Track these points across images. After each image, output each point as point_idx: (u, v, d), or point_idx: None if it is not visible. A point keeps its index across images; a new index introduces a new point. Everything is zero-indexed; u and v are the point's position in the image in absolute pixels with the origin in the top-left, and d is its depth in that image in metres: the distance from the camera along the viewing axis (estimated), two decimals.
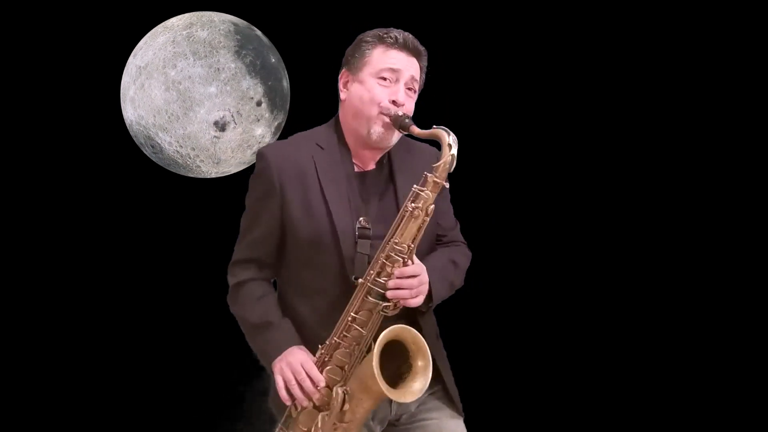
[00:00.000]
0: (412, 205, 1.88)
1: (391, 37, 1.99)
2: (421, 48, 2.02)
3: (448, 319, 2.14)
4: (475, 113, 3.66)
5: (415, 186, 1.89)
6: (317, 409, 1.90)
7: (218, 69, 3.33)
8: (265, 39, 3.56)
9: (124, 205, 3.66)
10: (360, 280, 1.90)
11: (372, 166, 2.05)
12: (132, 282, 3.69)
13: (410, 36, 2.01)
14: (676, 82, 3.68)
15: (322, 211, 1.96)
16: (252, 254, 2.04)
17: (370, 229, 1.96)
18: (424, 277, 1.92)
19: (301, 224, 1.97)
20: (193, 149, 3.40)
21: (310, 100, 3.63)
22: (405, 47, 1.99)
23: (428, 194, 1.88)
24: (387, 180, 2.04)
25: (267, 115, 3.45)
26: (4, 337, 3.57)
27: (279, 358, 1.92)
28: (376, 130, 1.97)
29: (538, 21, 3.75)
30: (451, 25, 3.70)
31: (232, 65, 3.35)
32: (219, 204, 3.60)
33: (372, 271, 1.89)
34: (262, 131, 3.47)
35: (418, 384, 1.87)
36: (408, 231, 1.88)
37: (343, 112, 2.05)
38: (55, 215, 3.61)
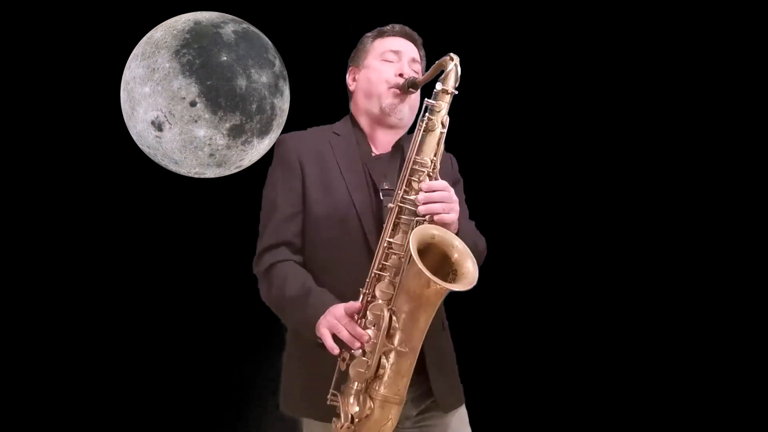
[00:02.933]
0: (427, 116, 1.93)
1: (387, 28, 2.20)
2: (417, 36, 2.19)
3: (453, 313, 2.13)
4: (477, 115, 3.51)
5: (426, 99, 1.94)
6: (366, 356, 1.82)
7: (154, 69, 3.35)
8: (230, 36, 3.42)
9: (118, 202, 3.82)
10: (390, 205, 1.90)
11: (387, 149, 2.12)
12: (133, 282, 3.81)
13: (405, 26, 2.20)
14: (676, 83, 3.70)
15: (341, 187, 2.01)
16: (279, 238, 2.01)
17: (393, 190, 1.96)
18: (453, 195, 1.90)
19: (319, 202, 2.01)
20: (149, 148, 3.49)
21: (310, 101, 3.52)
22: (402, 34, 2.18)
23: (441, 104, 1.93)
24: (401, 162, 2.05)
25: (207, 116, 3.32)
26: (6, 337, 3.67)
27: (322, 317, 1.87)
28: (388, 101, 2.08)
29: (538, 23, 3.75)
30: (450, 25, 3.62)
31: (167, 65, 3.33)
32: (225, 205, 3.65)
33: (399, 192, 1.90)
34: (208, 133, 3.36)
35: (468, 266, 1.80)
36: (427, 145, 1.92)
37: (354, 102, 2.18)
38: (68, 213, 3.80)
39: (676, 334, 3.71)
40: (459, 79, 1.96)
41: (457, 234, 1.90)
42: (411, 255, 1.76)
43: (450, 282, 1.79)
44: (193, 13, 3.49)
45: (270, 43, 3.57)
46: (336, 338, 1.85)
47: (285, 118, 3.62)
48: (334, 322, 1.84)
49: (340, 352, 1.84)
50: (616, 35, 3.74)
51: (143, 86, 3.37)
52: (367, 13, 3.59)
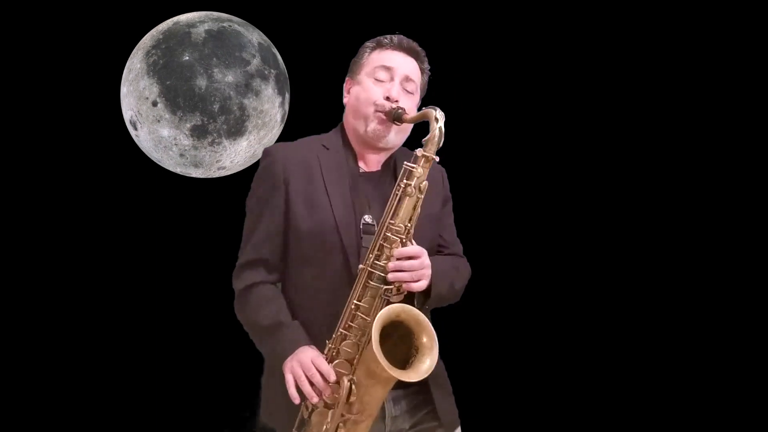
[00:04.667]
0: (405, 181, 1.88)
1: (386, 39, 2.07)
2: (419, 49, 2.08)
3: (444, 324, 2.09)
4: (473, 119, 3.53)
5: (406, 163, 1.89)
6: (328, 407, 1.84)
7: (130, 69, 3.46)
8: (200, 36, 3.39)
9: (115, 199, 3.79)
10: (360, 266, 1.87)
11: (377, 168, 2.07)
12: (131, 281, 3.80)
13: (406, 38, 2.08)
14: (674, 83, 3.67)
15: (325, 206, 1.96)
16: (259, 254, 2.00)
17: (374, 225, 1.95)
18: (426, 260, 1.88)
19: (303, 218, 1.96)
20: (137, 145, 3.61)
21: (310, 103, 3.53)
22: (400, 47, 2.06)
23: (420, 170, 1.87)
24: (391, 181, 2.03)
25: (168, 115, 3.34)
26: (5, 338, 3.63)
27: (290, 357, 1.87)
28: (372, 126, 2.00)
29: (537, 25, 3.72)
30: (449, 30, 3.63)
31: (138, 65, 3.41)
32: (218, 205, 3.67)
33: (371, 255, 1.86)
34: (171, 133, 3.38)
35: (427, 363, 1.80)
36: (404, 210, 1.87)
37: (345, 115, 2.11)
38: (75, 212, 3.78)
39: (673, 343, 3.66)
40: (441, 144, 1.88)
41: (428, 296, 1.91)
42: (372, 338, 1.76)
43: (409, 363, 1.81)
44: (183, 15, 3.50)
45: (255, 41, 3.45)
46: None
47: (269, 119, 3.49)
48: (298, 371, 1.83)
49: (302, 399, 1.85)
50: (609, 35, 3.69)
51: (123, 86, 3.47)
52: (372, 13, 3.60)
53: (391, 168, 2.06)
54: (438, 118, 1.87)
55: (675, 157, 3.70)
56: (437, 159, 1.88)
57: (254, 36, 3.48)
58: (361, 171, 2.04)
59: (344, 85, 2.12)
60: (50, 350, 3.69)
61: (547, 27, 3.73)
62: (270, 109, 3.47)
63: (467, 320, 3.25)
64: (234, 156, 3.48)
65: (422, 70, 2.08)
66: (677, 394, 3.63)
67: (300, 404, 1.87)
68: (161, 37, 3.39)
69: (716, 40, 3.60)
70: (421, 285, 1.86)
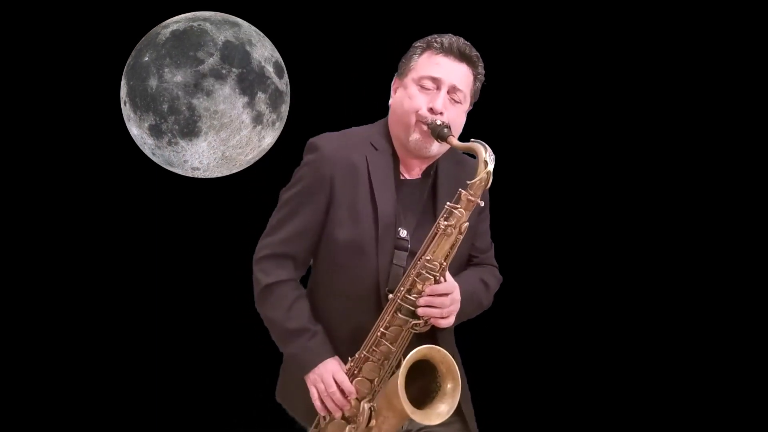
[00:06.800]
0: (445, 222, 1.84)
1: (437, 42, 1.94)
2: (472, 53, 1.95)
3: (466, 331, 2.14)
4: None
5: (448, 203, 1.85)
6: (346, 420, 1.92)
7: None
8: (164, 36, 3.44)
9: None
10: (390, 296, 1.88)
11: (417, 176, 2.01)
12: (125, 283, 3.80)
13: (460, 41, 1.95)
14: (678, 86, 3.68)
15: (368, 215, 1.92)
16: (289, 249, 1.96)
17: (408, 241, 1.93)
18: (456, 295, 1.89)
19: (344, 224, 1.92)
20: None
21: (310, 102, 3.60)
22: (450, 52, 1.93)
23: (462, 212, 1.83)
24: (430, 192, 2.00)
25: (132, 115, 3.48)
26: (5, 339, 3.63)
27: (313, 370, 1.91)
28: (414, 137, 1.92)
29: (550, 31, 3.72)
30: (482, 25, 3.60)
31: (125, 67, 3.60)
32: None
33: (402, 288, 1.86)
34: (137, 131, 3.51)
35: (445, 406, 1.85)
36: (440, 249, 1.85)
37: (389, 117, 2.02)
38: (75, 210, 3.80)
39: (676, 344, 3.68)
40: (488, 187, 1.84)
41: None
42: (400, 370, 1.83)
43: (430, 399, 1.88)
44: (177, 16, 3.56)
45: (220, 39, 3.37)
46: None
47: (229, 120, 3.38)
48: (321, 386, 1.90)
49: (325, 410, 1.95)
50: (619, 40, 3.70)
51: None
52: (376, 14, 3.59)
53: (431, 176, 1.99)
54: (488, 161, 1.80)
55: (677, 161, 3.68)
56: (482, 204, 1.84)
57: (223, 35, 3.39)
58: (401, 177, 1.97)
59: (392, 84, 2.01)
60: (40, 351, 3.69)
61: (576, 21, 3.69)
62: (228, 109, 3.35)
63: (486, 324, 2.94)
64: (199, 157, 3.44)
65: (475, 76, 1.96)
66: (683, 396, 3.62)
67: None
68: (142, 38, 3.50)
69: (716, 39, 3.60)
70: (449, 321, 1.89)
